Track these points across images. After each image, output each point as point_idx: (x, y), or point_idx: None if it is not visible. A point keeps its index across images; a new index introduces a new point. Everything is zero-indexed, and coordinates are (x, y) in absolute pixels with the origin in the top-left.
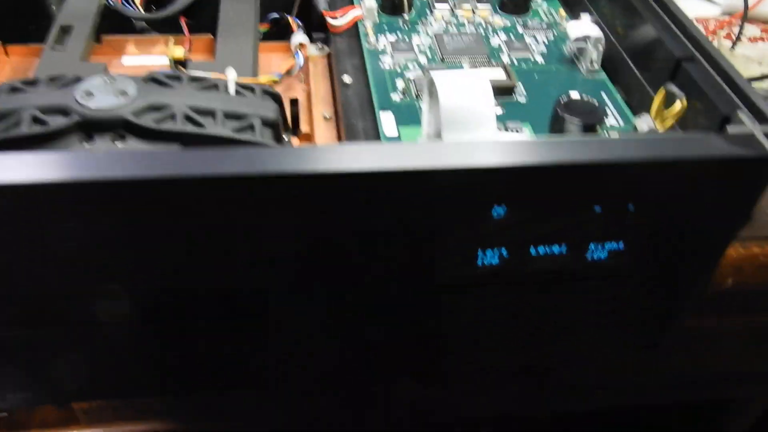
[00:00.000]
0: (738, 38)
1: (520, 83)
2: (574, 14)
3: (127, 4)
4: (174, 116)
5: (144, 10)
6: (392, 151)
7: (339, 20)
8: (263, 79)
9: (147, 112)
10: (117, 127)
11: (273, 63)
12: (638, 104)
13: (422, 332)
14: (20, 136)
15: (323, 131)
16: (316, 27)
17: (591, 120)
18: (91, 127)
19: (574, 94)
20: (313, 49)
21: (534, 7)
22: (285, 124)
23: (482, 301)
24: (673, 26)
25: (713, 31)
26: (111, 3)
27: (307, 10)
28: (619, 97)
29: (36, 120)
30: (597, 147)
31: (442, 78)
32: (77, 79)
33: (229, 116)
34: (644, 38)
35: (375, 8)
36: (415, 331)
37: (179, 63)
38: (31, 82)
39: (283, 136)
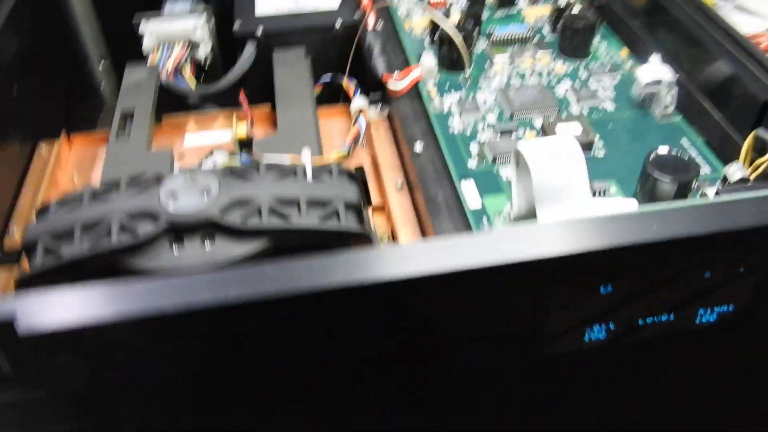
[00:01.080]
0: None
1: (597, 138)
2: (636, 53)
3: (178, 79)
4: (259, 210)
5: (195, 80)
6: (498, 242)
7: (399, 84)
8: (332, 156)
9: (232, 209)
10: (205, 227)
11: (333, 128)
12: (719, 147)
13: (532, 401)
14: (112, 249)
15: (397, 202)
16: (370, 86)
17: (685, 177)
18: (180, 229)
19: (662, 149)
20: (372, 113)
21: (594, 48)
22: (362, 194)
23: (589, 368)
24: (751, 65)
25: (766, 48)
26: (163, 82)
27: (359, 67)
28: (701, 142)
29: (124, 228)
30: (707, 215)
31: (530, 150)
32: (158, 179)
33: (313, 203)
34: (720, 78)
35: (434, 68)
36: (525, 400)
37: (243, 142)
38: (113, 185)
39: (365, 215)
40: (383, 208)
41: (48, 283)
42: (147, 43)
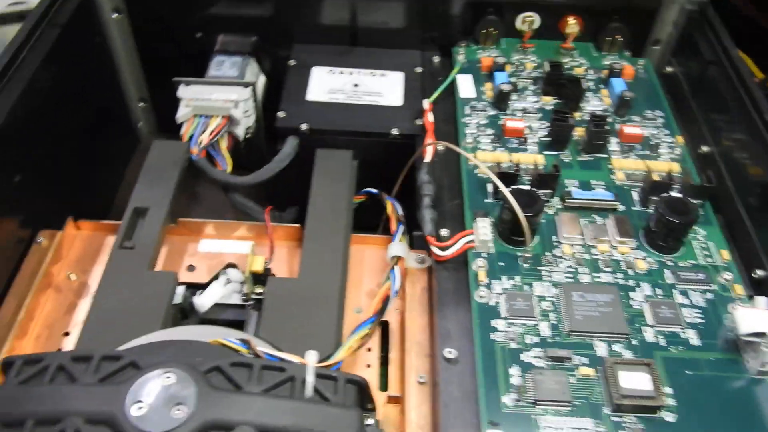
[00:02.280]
0: None
1: (667, 388)
2: (742, 259)
3: (214, 152)
4: None
5: (232, 157)
6: None
7: (446, 251)
8: (350, 343)
9: None
10: None
11: (366, 259)
12: None
13: None
14: None
15: (416, 398)
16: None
17: None
18: None
19: None
20: (412, 261)
21: (689, 241)
22: (371, 403)
23: None
24: None
25: None
26: (195, 159)
27: (411, 187)
28: None
29: None
30: None
31: None
32: (135, 365)
33: None
34: None
35: (490, 240)
36: None
37: (257, 276)
38: (83, 359)
39: None
40: (400, 402)
41: None
42: (181, 113)
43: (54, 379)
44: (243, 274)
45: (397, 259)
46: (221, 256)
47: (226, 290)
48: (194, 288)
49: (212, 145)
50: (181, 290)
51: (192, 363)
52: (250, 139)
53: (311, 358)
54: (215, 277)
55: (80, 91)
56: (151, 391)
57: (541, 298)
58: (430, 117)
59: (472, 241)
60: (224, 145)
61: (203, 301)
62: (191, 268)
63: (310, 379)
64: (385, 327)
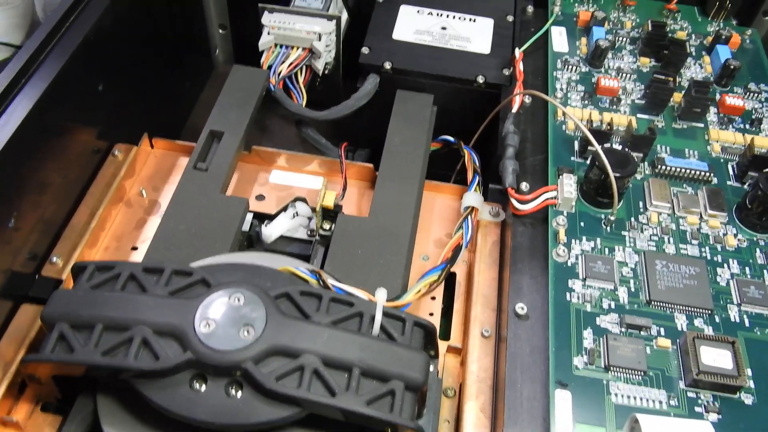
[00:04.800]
0: None
1: (749, 372)
2: None
3: (291, 85)
4: (302, 371)
5: (308, 92)
6: None
7: (527, 205)
8: (420, 286)
9: (271, 360)
10: (234, 373)
11: (438, 207)
12: None
13: None
14: (126, 367)
15: (478, 351)
16: (496, 169)
17: None
18: (205, 368)
19: None
20: (486, 213)
21: None
22: (435, 350)
23: None
24: None
25: None
26: (272, 88)
27: (490, 140)
28: None
29: (147, 345)
30: None
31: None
32: (206, 283)
33: (368, 375)
34: None
35: (573, 198)
36: None
37: (327, 212)
38: (155, 272)
39: (425, 397)
40: (461, 353)
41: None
42: (264, 40)
43: (125, 287)
44: (311, 208)
45: (471, 209)
46: (291, 188)
47: (293, 223)
48: (262, 218)
49: (290, 77)
50: (249, 218)
51: (262, 287)
52: (327, 75)
53: (381, 296)
54: (284, 209)
55: (164, 10)
56: (220, 310)
57: (622, 263)
58: (521, 66)
59: (554, 197)
60: (302, 78)
61: (270, 232)
62: (261, 197)
63: (379, 317)
64: (450, 278)
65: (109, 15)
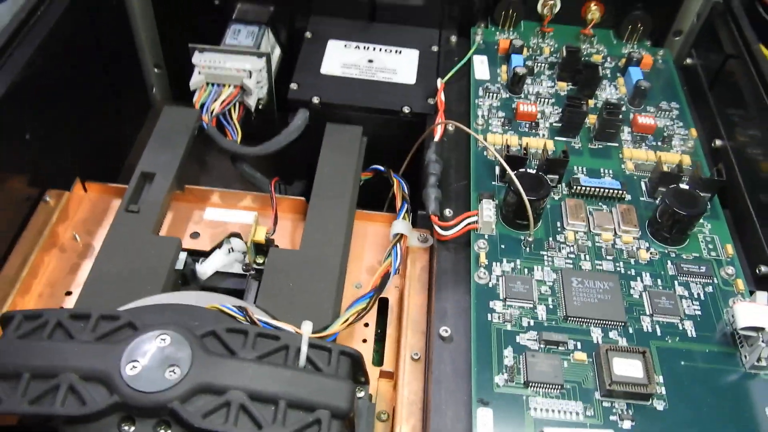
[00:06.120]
0: None
1: (659, 377)
2: (747, 256)
3: (225, 121)
4: (228, 407)
5: (242, 127)
6: None
7: (449, 231)
8: (347, 316)
9: (197, 397)
10: (161, 413)
11: (370, 235)
12: None
13: None
14: (53, 414)
15: (409, 374)
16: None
17: None
18: (132, 410)
19: None
20: (414, 239)
21: (694, 234)
22: (364, 376)
23: None
24: None
25: None
26: (205, 126)
27: (419, 165)
28: None
29: (73, 391)
30: None
31: None
32: (131, 326)
33: (294, 407)
34: None
35: (493, 222)
36: None
37: (259, 246)
38: (83, 316)
39: (355, 420)
40: (392, 376)
41: None
42: (195, 80)
43: (52, 335)
44: (245, 243)
45: (400, 236)
46: (226, 225)
47: (228, 259)
48: (197, 255)
49: (223, 114)
50: (183, 256)
51: (188, 326)
52: (261, 111)
53: (306, 329)
54: (218, 246)
55: (96, 52)
56: (147, 352)
57: (541, 282)
58: (442, 96)
59: (475, 222)
60: (235, 115)
61: (205, 269)
62: (195, 235)
63: (304, 349)
64: (383, 304)
65: (35, 64)
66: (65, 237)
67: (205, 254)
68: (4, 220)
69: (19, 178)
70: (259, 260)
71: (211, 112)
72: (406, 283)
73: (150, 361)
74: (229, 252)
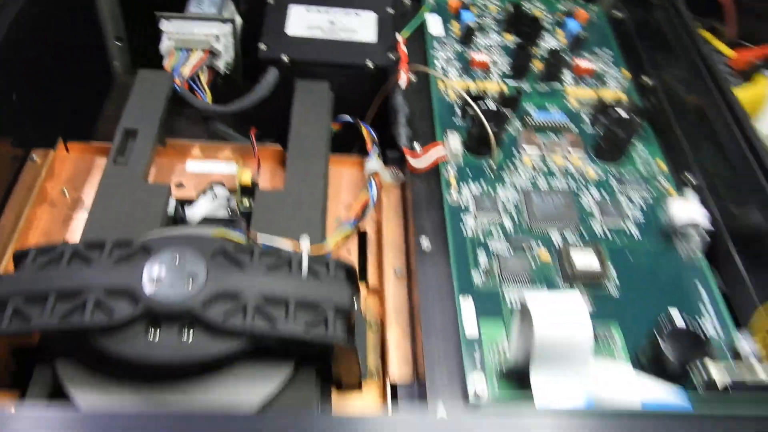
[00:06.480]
0: None
1: (612, 269)
2: (674, 166)
3: (195, 86)
4: (244, 309)
5: (211, 90)
6: None
7: (421, 161)
8: (336, 236)
9: (216, 302)
10: (184, 318)
11: (343, 179)
12: (739, 304)
13: None
14: (84, 326)
15: (393, 290)
16: (390, 141)
17: (693, 357)
18: (158, 317)
19: (677, 318)
20: (387, 176)
21: (631, 153)
22: (357, 289)
23: None
24: None
25: None
26: (178, 89)
27: (383, 115)
28: (719, 298)
29: (100, 305)
30: None
31: (538, 306)
32: (145, 249)
33: (302, 306)
34: (754, 229)
35: (460, 151)
36: None
37: (246, 189)
38: (95, 247)
39: (354, 321)
40: (378, 292)
41: (10, 343)
42: (164, 45)
43: (71, 263)
44: (228, 190)
45: (374, 174)
46: (208, 176)
47: (214, 204)
48: (183, 204)
49: (193, 78)
50: (172, 202)
51: (198, 246)
52: (229, 75)
53: (305, 241)
54: (203, 193)
55: (64, 24)
56: (164, 267)
57: (506, 200)
58: (404, 47)
59: (443, 154)
60: (204, 78)
61: (194, 212)
62: (180, 185)
63: (306, 259)
64: (362, 238)
65: (16, 25)
66: (54, 192)
67: (191, 202)
68: None
69: (5, 139)
70: (246, 203)
71: (182, 76)
72: (382, 216)
73: (169, 274)
74: (214, 198)
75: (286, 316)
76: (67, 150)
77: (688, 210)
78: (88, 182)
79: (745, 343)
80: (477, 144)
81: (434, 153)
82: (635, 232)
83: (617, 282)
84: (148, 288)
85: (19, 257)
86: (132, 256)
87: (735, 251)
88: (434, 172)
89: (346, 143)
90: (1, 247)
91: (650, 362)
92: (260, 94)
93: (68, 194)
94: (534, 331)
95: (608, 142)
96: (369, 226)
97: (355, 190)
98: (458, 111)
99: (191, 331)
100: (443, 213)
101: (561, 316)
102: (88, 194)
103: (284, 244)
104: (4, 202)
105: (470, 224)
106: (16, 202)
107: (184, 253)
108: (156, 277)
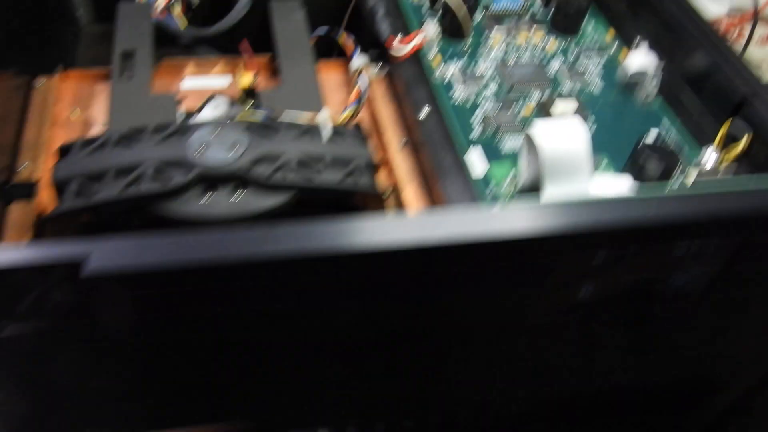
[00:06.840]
0: (749, 40)
1: (592, 114)
2: (622, 35)
3: (168, 17)
4: (288, 165)
5: (188, 22)
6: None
7: (402, 49)
8: (344, 115)
9: (261, 163)
10: (234, 179)
11: (330, 83)
12: (696, 130)
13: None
14: (144, 194)
15: (399, 158)
16: (368, 43)
17: (671, 164)
18: (211, 180)
19: (652, 135)
20: (371, 71)
21: (583, 27)
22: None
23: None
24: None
25: (724, 32)
26: (156, 20)
27: (355, 23)
28: (679, 124)
29: (156, 175)
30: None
31: (542, 130)
32: (184, 129)
33: (335, 162)
34: (701, 69)
35: (437, 35)
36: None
37: (248, 92)
38: (138, 132)
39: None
40: (385, 164)
41: (72, 222)
42: None
43: (118, 145)
44: (228, 100)
45: (361, 69)
46: (206, 90)
47: (216, 112)
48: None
49: (167, 9)
50: (181, 112)
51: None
52: (200, 7)
53: (324, 112)
54: (204, 105)
55: None
56: (209, 138)
57: (485, 70)
58: None
59: (423, 41)
60: (178, 9)
61: (202, 118)
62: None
63: (328, 126)
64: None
65: None
66: (64, 114)
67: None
68: (7, 106)
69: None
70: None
71: (157, 8)
72: (374, 103)
73: (214, 142)
74: (216, 107)
75: (323, 170)
76: (66, 77)
77: (639, 60)
78: (95, 102)
79: (708, 154)
80: (451, 28)
81: (416, 39)
82: (598, 87)
83: (594, 121)
84: (198, 155)
85: (65, 150)
86: (175, 133)
87: (686, 89)
88: (416, 58)
89: (326, 53)
90: (33, 158)
91: (637, 172)
92: (236, 16)
93: (79, 113)
94: (542, 154)
95: (563, 17)
96: (363, 120)
97: (345, 90)
98: (426, 4)
99: (242, 190)
100: (431, 90)
101: (564, 136)
102: (97, 113)
103: (306, 117)
104: (22, 123)
105: (459, 94)
106: (34, 122)
107: (224, 127)
108: (203, 147)
